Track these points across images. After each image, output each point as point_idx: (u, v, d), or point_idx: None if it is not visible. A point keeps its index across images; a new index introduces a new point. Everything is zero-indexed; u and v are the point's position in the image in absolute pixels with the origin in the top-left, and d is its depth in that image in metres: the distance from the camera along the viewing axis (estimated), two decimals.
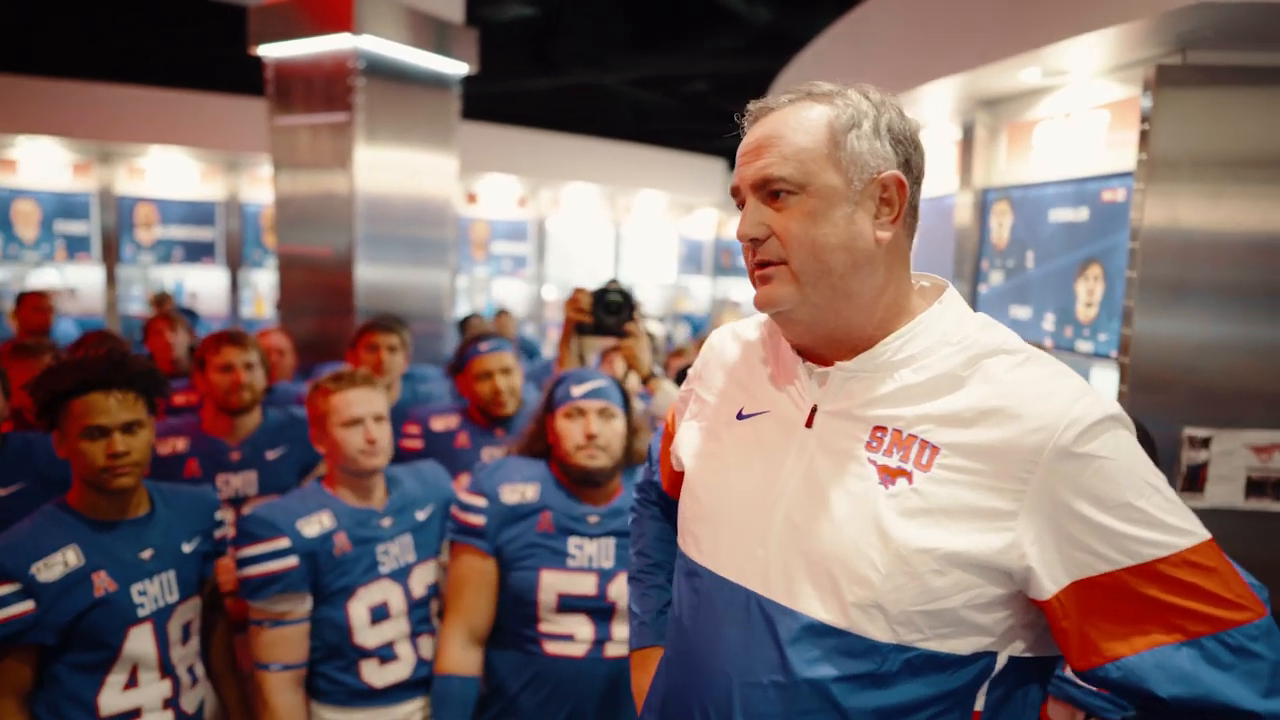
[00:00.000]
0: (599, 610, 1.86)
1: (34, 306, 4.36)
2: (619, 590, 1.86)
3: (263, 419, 2.56)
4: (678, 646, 1.06)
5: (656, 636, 1.27)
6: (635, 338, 2.25)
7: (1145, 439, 1.64)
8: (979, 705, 0.92)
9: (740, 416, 1.05)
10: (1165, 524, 0.84)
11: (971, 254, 3.50)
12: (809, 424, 0.98)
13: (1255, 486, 2.42)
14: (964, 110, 3.55)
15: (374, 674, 1.94)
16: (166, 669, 1.74)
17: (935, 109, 3.70)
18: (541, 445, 1.97)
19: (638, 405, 2.27)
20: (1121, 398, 2.48)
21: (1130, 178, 2.54)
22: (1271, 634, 0.84)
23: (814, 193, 0.92)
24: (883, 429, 0.93)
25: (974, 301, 3.49)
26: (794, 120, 0.95)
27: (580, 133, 8.85)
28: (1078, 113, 2.92)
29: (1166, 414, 2.42)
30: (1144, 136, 2.41)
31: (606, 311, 2.19)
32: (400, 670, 1.96)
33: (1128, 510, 0.84)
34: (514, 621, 1.89)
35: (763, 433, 1.02)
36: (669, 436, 1.25)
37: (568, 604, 1.85)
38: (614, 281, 2.25)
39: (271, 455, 2.52)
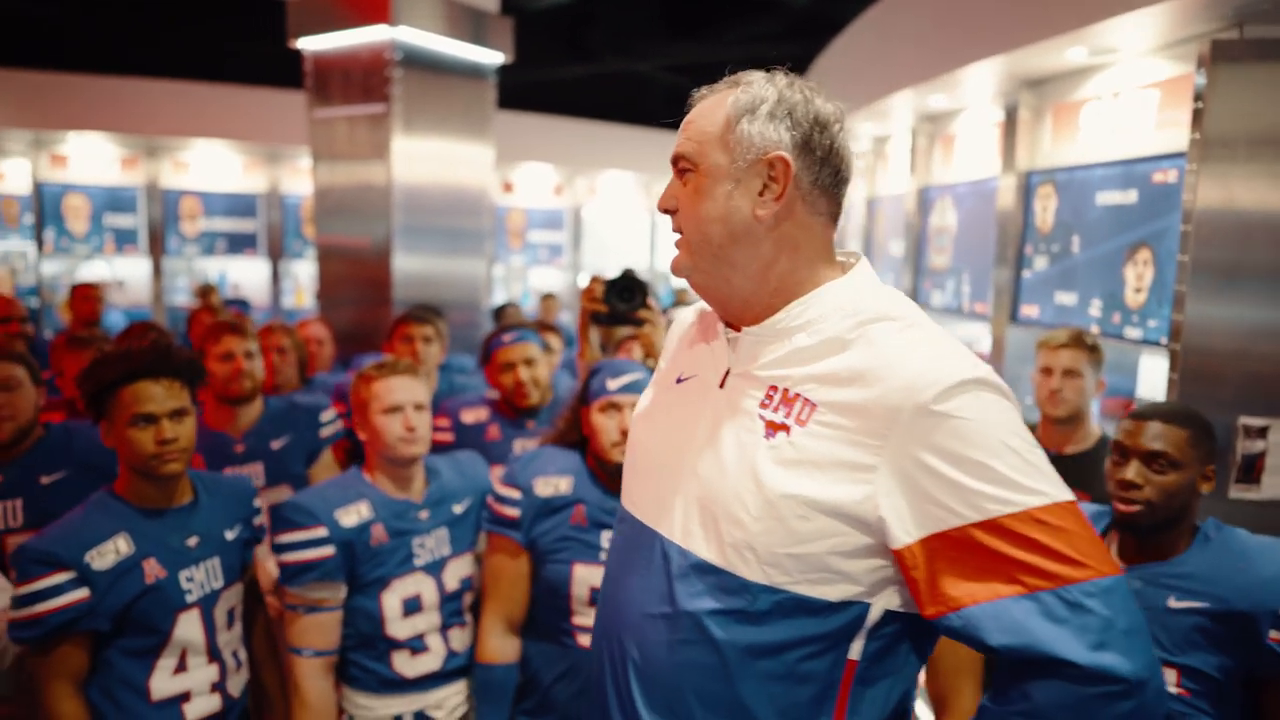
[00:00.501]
0: None
1: (84, 296, 4.50)
2: None
3: (264, 409, 2.56)
4: (605, 584, 1.19)
5: None
6: (652, 325, 2.24)
7: (1204, 428, 1.61)
8: (854, 654, 0.98)
9: (678, 381, 1.17)
10: (1016, 482, 0.89)
11: (1015, 238, 3.42)
12: (722, 385, 1.08)
13: None
14: (1007, 91, 3.46)
15: (405, 664, 1.96)
16: (214, 653, 1.78)
17: (977, 90, 3.61)
18: (576, 436, 1.96)
19: None
20: (1172, 386, 2.40)
21: (1182, 158, 2.45)
22: (1111, 593, 0.88)
23: (704, 171, 1.02)
24: (775, 388, 1.01)
25: (1017, 287, 3.41)
26: (706, 105, 1.05)
27: (616, 120, 8.82)
28: (1126, 92, 2.83)
29: (1220, 403, 2.34)
30: (1197, 115, 2.32)
31: (620, 300, 2.19)
32: (430, 662, 1.98)
33: (978, 467, 0.89)
34: (548, 614, 1.90)
35: (689, 394, 1.13)
36: None
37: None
38: (629, 270, 2.24)
39: (276, 445, 2.53)
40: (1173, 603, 1.54)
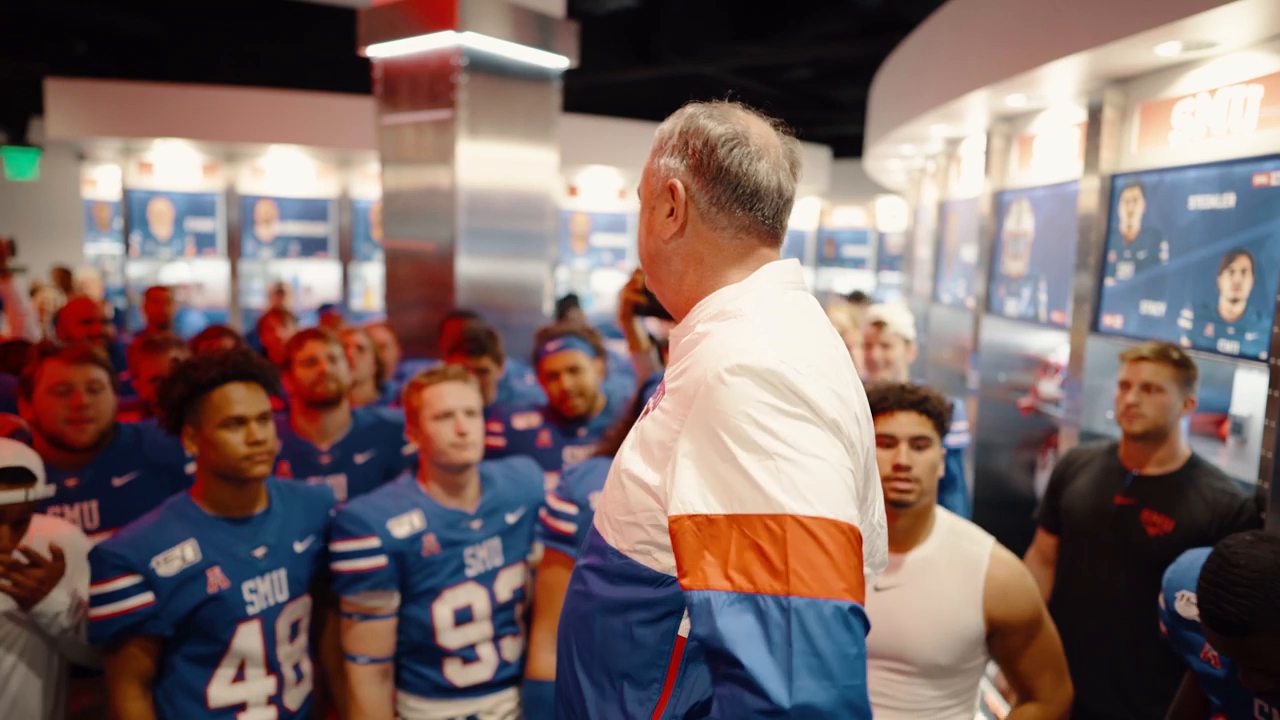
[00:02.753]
0: None
1: (155, 299, 4.70)
2: None
3: (351, 421, 2.59)
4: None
5: None
6: None
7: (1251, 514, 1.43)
8: (683, 631, 1.03)
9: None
10: (759, 485, 0.90)
11: (1097, 245, 3.25)
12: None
13: None
14: (1089, 90, 3.30)
15: (456, 673, 1.96)
16: (272, 665, 1.78)
17: (1057, 89, 3.45)
18: None
19: None
20: (1272, 404, 2.24)
21: None
22: (807, 614, 0.85)
23: (641, 201, 1.20)
24: (664, 384, 1.10)
25: (1099, 296, 3.24)
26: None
27: None
28: (1224, 88, 2.66)
29: None
30: None
31: None
32: (482, 671, 1.98)
33: (733, 460, 0.92)
34: None
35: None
36: None
37: None
38: None
39: (360, 459, 2.56)
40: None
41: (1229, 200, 2.58)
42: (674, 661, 1.03)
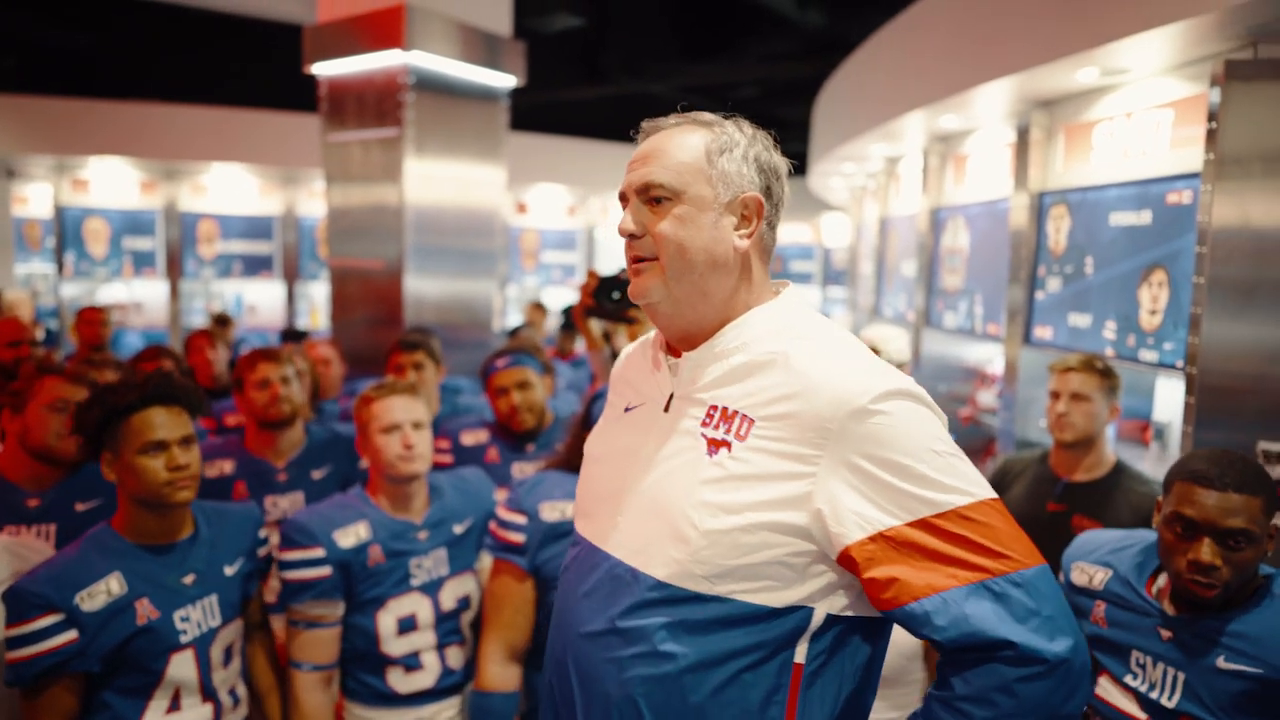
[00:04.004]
0: None
1: (88, 321, 4.50)
2: None
3: (306, 438, 2.58)
4: (555, 606, 1.21)
5: None
6: (640, 323, 2.25)
7: (1269, 485, 1.51)
8: (799, 658, 1.02)
9: (626, 410, 1.21)
10: (941, 483, 0.97)
11: (1027, 259, 3.39)
12: (666, 409, 1.13)
13: None
14: (1018, 111, 3.45)
15: (399, 681, 1.97)
16: (208, 692, 1.75)
17: (988, 110, 3.60)
18: (579, 461, 1.94)
19: None
20: (1189, 410, 2.36)
21: (1196, 179, 2.42)
22: (1032, 584, 0.96)
23: (688, 200, 1.08)
24: (715, 407, 1.07)
25: (1030, 309, 3.38)
26: (677, 139, 1.11)
27: (629, 141, 8.82)
28: (1139, 112, 2.81)
29: (1238, 427, 2.30)
30: (1211, 135, 2.29)
31: (608, 299, 2.24)
32: (424, 679, 1.99)
33: (906, 470, 0.97)
34: None
35: (637, 421, 1.17)
36: None
37: None
38: (624, 270, 2.26)
39: (317, 475, 2.55)
40: (1222, 663, 1.45)
41: (1146, 217, 2.72)
42: (793, 692, 1.02)
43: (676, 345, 1.15)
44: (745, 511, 0.99)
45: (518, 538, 1.87)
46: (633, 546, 1.07)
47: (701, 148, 1.09)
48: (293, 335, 5.94)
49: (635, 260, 1.11)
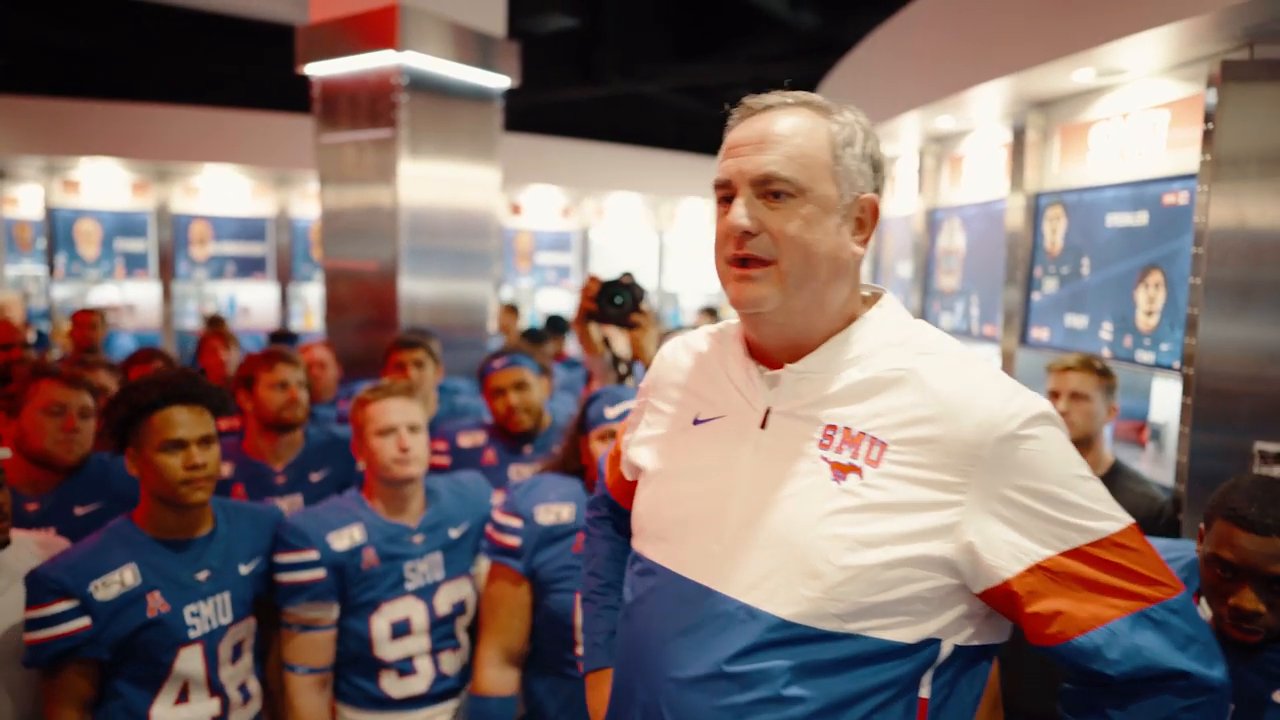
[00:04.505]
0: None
1: (80, 323, 4.51)
2: None
3: (305, 441, 2.57)
4: (627, 644, 1.07)
5: (609, 658, 1.27)
6: (642, 328, 2.25)
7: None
8: (924, 692, 0.96)
9: (696, 422, 1.09)
10: (1093, 510, 0.92)
11: (1023, 260, 3.39)
12: (763, 425, 1.02)
13: None
14: (1014, 112, 3.45)
15: (392, 685, 1.97)
16: (215, 688, 1.77)
17: (984, 111, 3.60)
18: (576, 464, 1.94)
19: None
20: (1186, 411, 2.36)
21: (1193, 180, 2.43)
22: (1186, 608, 0.93)
23: (813, 199, 0.96)
24: (834, 427, 0.97)
25: (1026, 310, 3.38)
26: (797, 125, 0.98)
27: (623, 142, 8.86)
28: (1136, 113, 2.81)
29: (1234, 427, 2.30)
30: (1208, 135, 2.29)
31: (610, 303, 2.23)
32: (417, 684, 1.98)
33: (1063, 499, 0.91)
34: (551, 644, 1.87)
35: (719, 436, 1.05)
36: (617, 450, 1.29)
37: None
38: (627, 274, 2.27)
39: (315, 478, 2.54)
40: (1278, 696, 1.35)
41: (1142, 218, 2.72)
42: None
43: (774, 356, 1.02)
44: (885, 545, 0.91)
45: (513, 541, 1.86)
46: (745, 581, 0.96)
47: (826, 139, 0.98)
48: (283, 337, 5.91)
49: (743, 263, 0.97)
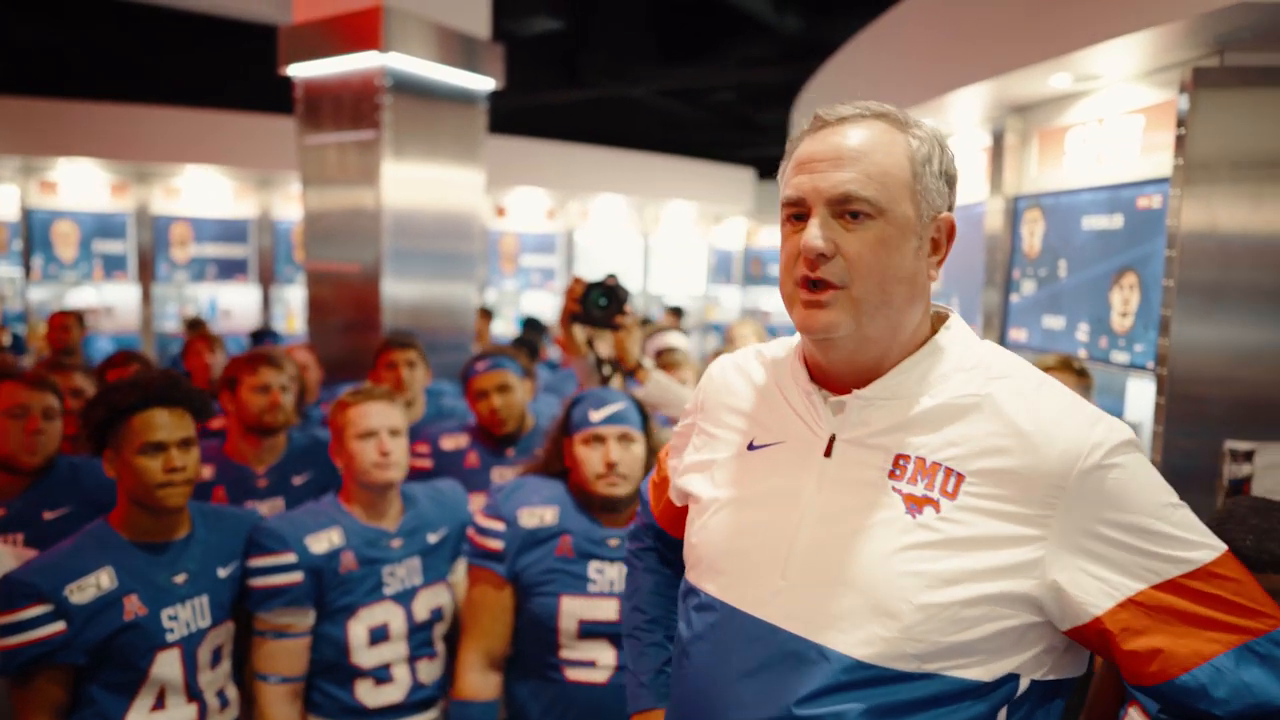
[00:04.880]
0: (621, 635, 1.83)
1: (57, 325, 4.46)
2: None
3: (287, 443, 2.56)
4: (683, 683, 1.03)
5: (657, 698, 1.22)
6: (626, 330, 2.26)
7: None
8: None
9: (752, 447, 1.04)
10: (1185, 540, 0.87)
11: (1002, 263, 3.43)
12: (827, 453, 0.96)
13: None
14: (994, 116, 3.49)
15: (368, 694, 1.94)
16: (193, 693, 1.74)
17: (964, 115, 3.64)
18: (558, 467, 1.94)
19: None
20: (1159, 411, 2.40)
21: (1166, 184, 2.47)
22: None
23: (891, 220, 0.91)
24: (905, 457, 0.92)
25: (1005, 312, 3.42)
26: (877, 139, 0.93)
27: (608, 144, 8.88)
28: (1111, 118, 2.85)
29: (1207, 426, 2.34)
30: (1180, 140, 2.34)
31: (596, 306, 2.24)
32: (393, 693, 1.96)
33: (1153, 530, 0.86)
34: (534, 648, 1.86)
35: (779, 463, 1.00)
36: (661, 474, 1.24)
37: (589, 630, 1.81)
38: (611, 276, 2.29)
39: (298, 480, 2.52)
40: None
41: (1118, 221, 2.76)
42: None
43: (838, 380, 0.97)
44: (965, 582, 0.86)
45: (496, 544, 1.86)
46: (815, 620, 0.91)
47: (906, 156, 0.92)
48: (264, 335, 5.86)
49: (814, 287, 0.91)
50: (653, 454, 1.91)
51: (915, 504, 0.90)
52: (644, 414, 1.94)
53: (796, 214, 0.94)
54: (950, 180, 0.97)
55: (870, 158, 0.91)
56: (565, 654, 1.82)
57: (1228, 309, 2.32)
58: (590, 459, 1.83)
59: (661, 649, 1.25)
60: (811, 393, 0.99)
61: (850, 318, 0.91)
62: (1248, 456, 2.34)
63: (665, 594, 1.26)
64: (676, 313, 7.31)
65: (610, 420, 1.84)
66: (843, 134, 0.94)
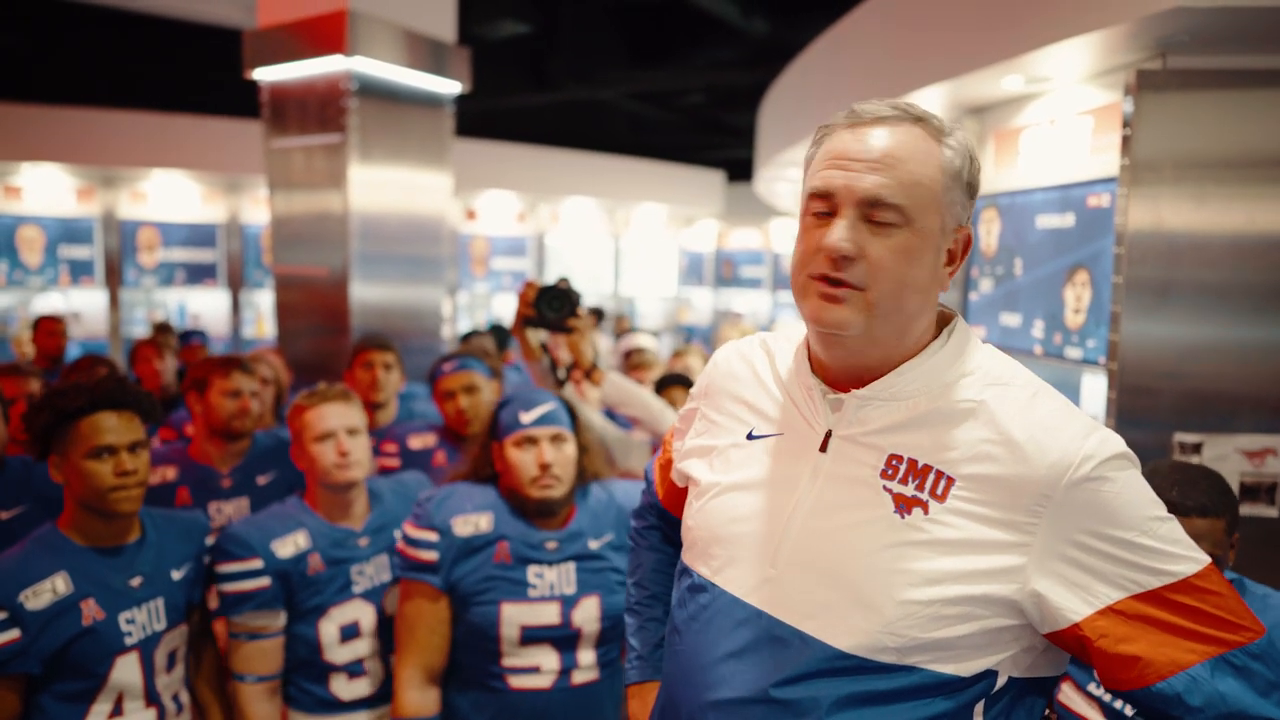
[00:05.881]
0: (564, 639, 1.80)
1: (48, 331, 4.43)
2: (583, 616, 1.80)
3: (251, 444, 2.56)
4: (674, 659, 1.05)
5: (654, 671, 1.26)
6: (579, 332, 2.26)
7: (1232, 503, 1.46)
8: None
9: (750, 437, 1.06)
10: (1169, 553, 0.88)
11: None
12: (823, 448, 0.98)
13: (1249, 492, 2.40)
14: (951, 118, 3.53)
15: (342, 688, 1.97)
16: (152, 698, 1.73)
17: None
18: (488, 471, 1.89)
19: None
20: (1111, 405, 2.47)
21: (1115, 183, 2.54)
22: (1266, 654, 0.89)
23: (916, 230, 0.91)
24: (898, 457, 0.94)
25: (965, 309, 3.49)
26: (913, 147, 0.92)
27: (578, 147, 8.90)
28: (1062, 119, 2.93)
29: (1156, 419, 2.41)
30: (1126, 141, 2.41)
31: (549, 308, 2.26)
32: (367, 686, 1.99)
33: (1136, 543, 0.87)
34: (475, 658, 1.81)
35: (775, 454, 1.02)
36: (666, 456, 1.27)
37: (531, 635, 1.78)
38: (563, 280, 2.31)
39: (262, 480, 2.52)
40: None
41: (1069, 220, 2.84)
42: None
43: (839, 376, 0.99)
44: (948, 582, 0.88)
45: (429, 555, 1.79)
46: (801, 609, 0.94)
47: (939, 167, 0.92)
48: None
49: (832, 282, 0.92)
50: (584, 453, 1.89)
51: (905, 504, 0.92)
52: (573, 413, 1.91)
53: (822, 210, 0.94)
54: (972, 192, 0.97)
55: (905, 165, 0.91)
56: (508, 662, 1.79)
57: (1175, 305, 2.40)
58: (523, 462, 1.79)
59: (660, 624, 1.27)
60: (812, 387, 1.00)
61: (863, 318, 0.92)
62: (1196, 448, 2.41)
63: (666, 571, 1.29)
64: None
65: (541, 421, 1.81)
66: (880, 136, 0.93)
